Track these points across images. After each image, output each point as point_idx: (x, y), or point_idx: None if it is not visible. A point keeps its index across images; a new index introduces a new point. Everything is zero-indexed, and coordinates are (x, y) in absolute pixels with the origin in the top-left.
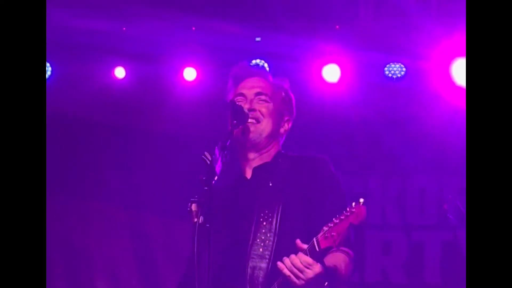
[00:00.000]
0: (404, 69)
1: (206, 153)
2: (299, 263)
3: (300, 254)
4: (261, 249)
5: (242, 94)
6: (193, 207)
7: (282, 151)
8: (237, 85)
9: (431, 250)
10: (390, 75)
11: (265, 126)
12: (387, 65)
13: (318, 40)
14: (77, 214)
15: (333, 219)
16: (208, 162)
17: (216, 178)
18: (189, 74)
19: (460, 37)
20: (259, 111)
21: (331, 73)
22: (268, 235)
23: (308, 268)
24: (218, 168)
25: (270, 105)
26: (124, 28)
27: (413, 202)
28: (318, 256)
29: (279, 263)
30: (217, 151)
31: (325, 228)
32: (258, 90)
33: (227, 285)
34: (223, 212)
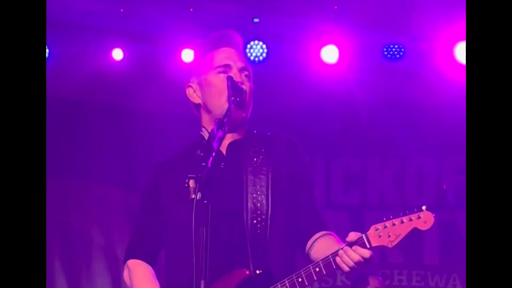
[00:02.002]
0: (403, 50)
1: (203, 128)
2: (360, 258)
3: (359, 249)
4: (255, 221)
5: (228, 66)
6: (191, 183)
7: (250, 130)
8: (215, 52)
9: (429, 230)
10: (389, 56)
11: (248, 105)
12: (386, 46)
13: (316, 20)
14: (75, 195)
15: (391, 218)
16: (206, 138)
17: (214, 154)
18: (187, 55)
19: (459, 18)
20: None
21: (330, 54)
22: (262, 210)
23: (365, 260)
24: (215, 144)
25: (251, 83)
26: (121, 10)
27: (411, 183)
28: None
29: (338, 259)
30: (214, 127)
31: (379, 227)
32: (243, 64)
33: (227, 260)
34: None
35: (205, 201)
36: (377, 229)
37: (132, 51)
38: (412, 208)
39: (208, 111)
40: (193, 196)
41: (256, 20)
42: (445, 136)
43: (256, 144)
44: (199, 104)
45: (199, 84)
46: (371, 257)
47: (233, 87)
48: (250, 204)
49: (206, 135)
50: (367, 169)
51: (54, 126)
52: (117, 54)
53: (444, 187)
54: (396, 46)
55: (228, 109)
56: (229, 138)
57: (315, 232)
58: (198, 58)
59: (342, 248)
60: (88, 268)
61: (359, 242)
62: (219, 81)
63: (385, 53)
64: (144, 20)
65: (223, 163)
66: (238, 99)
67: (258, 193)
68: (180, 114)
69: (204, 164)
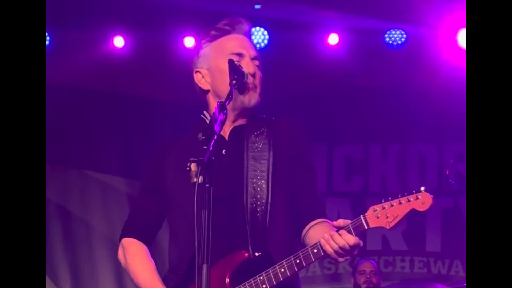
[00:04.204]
0: (404, 35)
1: (205, 112)
2: (345, 244)
3: (345, 234)
4: (255, 205)
5: (240, 54)
6: (193, 166)
7: (254, 115)
8: (227, 38)
9: (431, 217)
10: (390, 41)
11: (258, 94)
12: (388, 32)
13: (317, 6)
14: (75, 183)
15: (389, 199)
16: (207, 122)
17: (215, 137)
18: (189, 42)
19: (461, 3)
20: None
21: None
22: (262, 194)
23: (355, 247)
24: (217, 127)
25: (260, 72)
26: None
27: (413, 169)
28: (361, 232)
29: (324, 243)
30: (216, 110)
31: (377, 208)
32: (255, 54)
33: (227, 244)
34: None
35: (207, 185)
36: (375, 211)
37: (133, 39)
38: (411, 191)
39: (218, 97)
40: (195, 180)
41: (257, 6)
42: (447, 122)
43: (259, 128)
44: (207, 90)
45: (209, 70)
46: (358, 243)
47: (234, 70)
48: (250, 189)
49: (208, 119)
50: (369, 156)
51: (54, 113)
52: (118, 41)
53: (447, 172)
54: (398, 32)
55: (230, 93)
56: (232, 124)
57: (313, 219)
58: (206, 43)
59: (337, 231)
60: (89, 255)
61: (357, 223)
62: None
63: (387, 39)
64: (145, 7)
65: (224, 149)
66: (239, 82)
67: (259, 177)
68: (181, 101)
69: (205, 147)
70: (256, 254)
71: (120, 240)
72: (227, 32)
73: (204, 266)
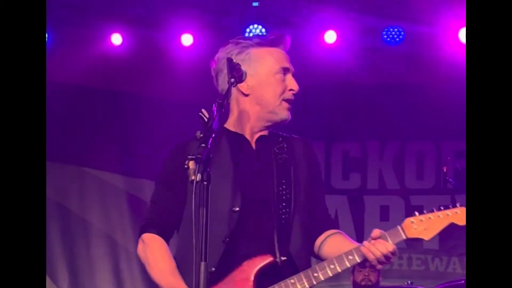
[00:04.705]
0: (402, 33)
1: (203, 110)
2: (388, 252)
3: (384, 242)
4: (280, 212)
5: (287, 69)
6: (191, 164)
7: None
8: (276, 50)
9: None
10: (388, 39)
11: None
12: (385, 29)
13: (316, 3)
14: (74, 180)
15: (425, 212)
16: (206, 120)
17: (213, 135)
18: (186, 39)
19: (460, 1)
20: None
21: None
22: (288, 202)
23: (394, 254)
24: (215, 125)
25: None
26: None
27: (411, 167)
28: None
29: (366, 251)
30: (214, 109)
31: (413, 220)
32: (293, 71)
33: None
34: (232, 174)
35: (205, 182)
36: (412, 222)
37: (131, 36)
38: (447, 206)
39: (256, 101)
40: (193, 178)
41: (255, 4)
42: (445, 119)
43: (280, 143)
44: (247, 95)
45: (253, 75)
46: (396, 251)
47: (233, 68)
48: (277, 196)
49: (206, 117)
50: (367, 153)
51: (53, 111)
52: (116, 39)
53: (445, 170)
54: (396, 29)
55: (228, 91)
56: (255, 134)
57: (326, 229)
58: (250, 47)
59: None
60: (87, 253)
61: (395, 233)
62: (278, 80)
63: (385, 36)
64: (143, 4)
65: (254, 156)
66: (238, 80)
67: (284, 187)
68: (180, 99)
69: (204, 145)
70: (282, 258)
71: (140, 235)
72: (273, 44)
73: (202, 264)
